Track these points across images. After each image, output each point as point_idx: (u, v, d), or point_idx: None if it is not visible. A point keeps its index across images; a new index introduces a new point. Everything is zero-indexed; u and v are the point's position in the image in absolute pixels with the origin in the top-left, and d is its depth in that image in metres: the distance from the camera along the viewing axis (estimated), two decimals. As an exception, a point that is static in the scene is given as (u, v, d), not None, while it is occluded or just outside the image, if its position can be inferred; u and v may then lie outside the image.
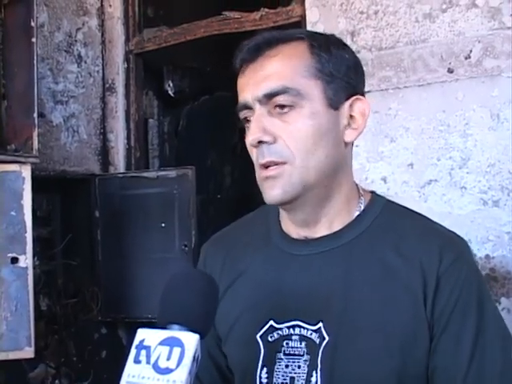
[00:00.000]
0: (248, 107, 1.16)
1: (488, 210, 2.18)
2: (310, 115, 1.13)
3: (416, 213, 1.25)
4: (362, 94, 1.21)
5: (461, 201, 2.23)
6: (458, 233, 1.23)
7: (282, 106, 1.13)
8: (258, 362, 1.17)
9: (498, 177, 2.17)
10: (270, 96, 1.13)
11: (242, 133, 1.21)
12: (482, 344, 1.11)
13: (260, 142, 1.13)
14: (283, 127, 1.13)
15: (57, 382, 2.91)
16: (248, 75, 1.16)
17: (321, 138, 1.14)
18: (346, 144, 1.19)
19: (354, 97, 1.18)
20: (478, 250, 2.18)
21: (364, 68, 1.25)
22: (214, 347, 1.28)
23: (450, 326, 1.11)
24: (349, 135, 1.18)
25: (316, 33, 1.23)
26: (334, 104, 1.16)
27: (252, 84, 1.15)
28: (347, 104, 1.17)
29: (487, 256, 2.18)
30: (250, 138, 1.14)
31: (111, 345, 3.10)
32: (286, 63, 1.14)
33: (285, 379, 1.15)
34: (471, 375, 1.10)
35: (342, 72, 1.16)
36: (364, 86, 1.23)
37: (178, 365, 0.84)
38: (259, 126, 1.13)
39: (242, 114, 1.18)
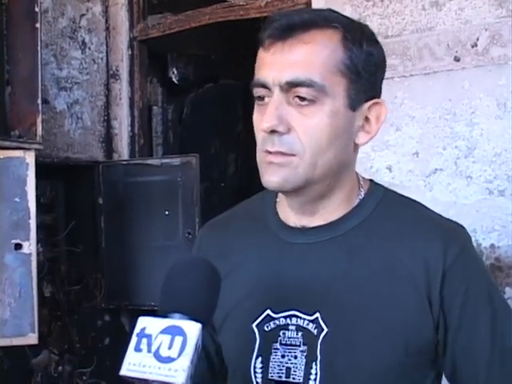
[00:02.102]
0: (266, 87, 1.10)
1: (494, 200, 2.17)
2: (330, 113, 1.08)
3: (414, 201, 1.23)
4: (380, 94, 1.16)
5: (466, 190, 2.22)
6: (463, 222, 1.21)
7: (303, 98, 1.08)
8: (253, 352, 1.15)
9: (503, 166, 2.16)
10: (292, 85, 1.07)
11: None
12: (500, 332, 1.10)
13: (273, 131, 1.09)
14: (300, 119, 1.08)
15: (60, 368, 2.92)
16: (274, 54, 1.09)
17: (335, 139, 1.10)
18: (355, 146, 1.16)
19: (374, 100, 1.13)
20: (484, 240, 2.17)
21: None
22: (207, 336, 1.24)
23: (464, 319, 1.10)
24: (361, 138, 1.14)
25: (351, 21, 1.14)
26: (354, 104, 1.11)
27: (277, 66, 1.08)
28: (366, 106, 1.12)
29: (492, 245, 2.17)
30: (265, 125, 1.08)
31: (114, 332, 3.12)
32: (317, 54, 1.08)
33: (281, 369, 1.13)
34: (495, 359, 1.10)
35: (368, 72, 1.11)
36: (382, 85, 1.18)
37: (179, 354, 0.83)
38: (276, 114, 1.08)
39: (257, 91, 1.13)
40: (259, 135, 1.13)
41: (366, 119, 1.14)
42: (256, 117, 1.14)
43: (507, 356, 1.10)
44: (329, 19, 1.11)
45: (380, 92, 1.17)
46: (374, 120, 1.14)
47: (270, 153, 1.10)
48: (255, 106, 1.15)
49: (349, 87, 1.10)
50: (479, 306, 1.11)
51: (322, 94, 1.07)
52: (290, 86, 1.08)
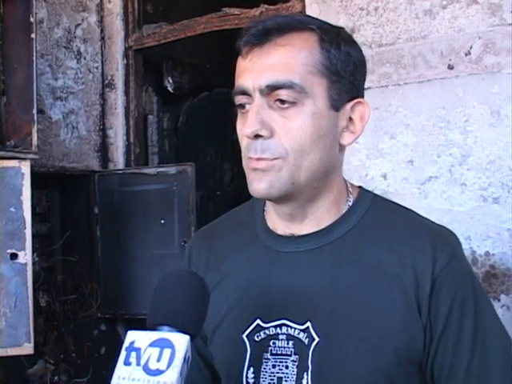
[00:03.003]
0: (246, 94, 1.11)
1: (488, 207, 2.18)
2: (312, 114, 1.09)
3: (403, 207, 1.23)
4: (363, 95, 1.17)
5: (461, 197, 2.22)
6: (458, 230, 1.22)
7: (283, 101, 1.08)
8: (244, 362, 1.15)
9: (498, 173, 2.16)
10: (272, 88, 1.07)
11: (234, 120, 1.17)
12: (481, 340, 1.10)
13: (256, 136, 1.09)
14: (282, 122, 1.08)
15: (56, 378, 2.91)
16: (252, 60, 1.09)
17: (319, 140, 1.10)
18: (341, 146, 1.16)
19: (356, 100, 1.14)
20: (478, 247, 2.18)
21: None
22: (203, 346, 1.25)
23: (449, 326, 1.10)
24: (346, 138, 1.15)
25: (327, 24, 1.15)
26: (336, 105, 1.11)
27: (255, 71, 1.08)
28: (348, 106, 1.13)
29: (487, 253, 2.17)
30: (248, 131, 1.08)
31: (110, 341, 3.11)
32: (295, 56, 1.08)
33: (272, 379, 1.12)
34: (472, 373, 1.09)
35: (348, 72, 1.12)
36: (364, 87, 1.19)
37: (168, 366, 0.83)
38: (258, 119, 1.08)
39: (238, 100, 1.13)
40: (243, 142, 1.13)
41: (350, 119, 1.14)
42: (238, 125, 1.15)
43: (483, 374, 1.09)
44: (304, 22, 1.12)
45: (362, 93, 1.17)
46: (358, 120, 1.15)
47: (254, 159, 1.10)
48: (238, 115, 1.15)
49: (329, 87, 1.10)
50: (464, 318, 1.11)
51: (302, 96, 1.08)
52: (270, 90, 1.08)
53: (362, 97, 1.17)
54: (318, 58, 1.10)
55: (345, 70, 1.11)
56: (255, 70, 1.09)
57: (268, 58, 1.09)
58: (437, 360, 1.11)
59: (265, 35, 1.09)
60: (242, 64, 1.12)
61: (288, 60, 1.08)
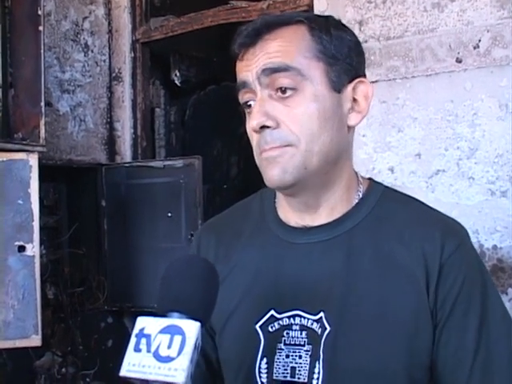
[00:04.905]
0: (247, 87, 1.12)
1: (496, 201, 2.17)
2: (314, 98, 1.10)
3: (414, 199, 1.23)
4: (364, 75, 1.18)
5: (468, 191, 2.22)
6: (466, 223, 1.21)
7: (284, 90, 1.09)
8: (257, 353, 1.15)
9: (505, 167, 2.16)
10: (270, 72, 1.09)
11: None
12: (486, 331, 1.10)
13: (263, 127, 1.10)
14: (286, 112, 1.09)
15: (63, 370, 2.92)
16: (248, 58, 1.12)
17: (326, 122, 1.11)
18: (349, 128, 1.17)
19: (357, 79, 1.15)
20: (486, 241, 2.18)
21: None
22: (207, 342, 1.24)
23: (454, 314, 1.10)
24: (353, 119, 1.16)
25: (314, 15, 1.19)
26: (337, 87, 1.12)
27: (252, 63, 1.11)
28: (350, 87, 1.14)
29: (495, 246, 2.17)
30: (254, 123, 1.10)
31: (117, 334, 3.12)
32: (287, 45, 1.10)
33: (285, 369, 1.13)
34: (478, 364, 1.09)
35: (343, 54, 1.13)
36: (365, 67, 1.20)
37: (179, 353, 0.83)
38: (261, 111, 1.09)
39: (242, 97, 1.14)
40: (253, 139, 1.14)
41: (354, 100, 1.15)
42: (247, 124, 1.16)
43: (490, 364, 1.09)
44: (292, 16, 1.15)
45: (362, 71, 1.18)
46: (362, 99, 1.16)
47: (266, 150, 1.11)
48: (246, 115, 1.16)
49: (327, 70, 1.12)
50: (470, 305, 1.10)
51: (300, 79, 1.09)
52: (267, 75, 1.09)
53: (364, 76, 1.18)
54: (310, 45, 1.11)
55: (340, 52, 1.13)
56: (252, 63, 1.11)
57: (261, 51, 1.11)
58: (439, 351, 1.10)
59: (256, 35, 1.12)
60: (240, 65, 1.14)
61: (282, 48, 1.10)
